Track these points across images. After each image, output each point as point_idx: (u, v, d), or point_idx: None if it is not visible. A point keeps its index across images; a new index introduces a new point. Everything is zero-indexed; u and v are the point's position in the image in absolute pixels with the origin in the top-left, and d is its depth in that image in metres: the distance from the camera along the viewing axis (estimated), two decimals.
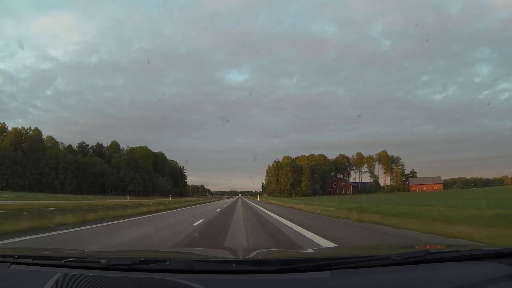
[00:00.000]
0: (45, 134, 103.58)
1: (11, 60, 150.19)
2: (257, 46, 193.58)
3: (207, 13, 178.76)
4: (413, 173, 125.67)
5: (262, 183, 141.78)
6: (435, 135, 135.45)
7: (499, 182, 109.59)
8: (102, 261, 1.55)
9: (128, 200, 50.80)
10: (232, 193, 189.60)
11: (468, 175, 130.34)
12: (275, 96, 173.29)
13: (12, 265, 1.68)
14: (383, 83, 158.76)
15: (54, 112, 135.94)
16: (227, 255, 2.38)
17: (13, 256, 1.75)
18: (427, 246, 2.17)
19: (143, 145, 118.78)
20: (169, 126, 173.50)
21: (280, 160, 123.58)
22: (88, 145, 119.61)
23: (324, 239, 7.44)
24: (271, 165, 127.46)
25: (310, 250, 3.28)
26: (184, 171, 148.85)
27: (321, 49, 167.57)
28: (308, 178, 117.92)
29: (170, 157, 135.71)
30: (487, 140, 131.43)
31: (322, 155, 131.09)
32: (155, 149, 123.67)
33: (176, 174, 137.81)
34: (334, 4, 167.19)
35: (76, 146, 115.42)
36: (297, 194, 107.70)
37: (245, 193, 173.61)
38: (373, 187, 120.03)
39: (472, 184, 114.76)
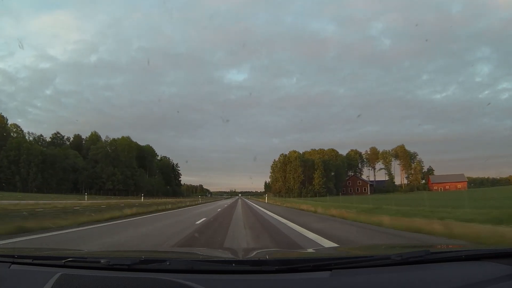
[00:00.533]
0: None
1: (10, 60, 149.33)
2: (257, 45, 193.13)
3: (206, 12, 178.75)
4: (430, 171, 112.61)
5: (265, 182, 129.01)
6: (435, 134, 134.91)
7: (506, 181, 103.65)
8: (102, 261, 1.55)
9: (81, 201, 35.31)
10: (232, 193, 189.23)
11: (467, 174, 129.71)
12: (275, 96, 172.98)
13: (12, 265, 1.68)
14: (383, 82, 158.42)
15: (54, 112, 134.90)
16: (227, 255, 2.38)
17: (13, 256, 1.75)
18: (427, 246, 2.17)
19: (125, 135, 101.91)
20: (169, 125, 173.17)
21: (287, 154, 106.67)
22: (63, 136, 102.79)
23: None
24: (276, 159, 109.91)
25: (310, 250, 3.29)
26: (178, 168, 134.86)
27: (321, 48, 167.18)
28: (321, 175, 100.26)
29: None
30: (487, 140, 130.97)
31: (333, 150, 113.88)
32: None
33: (167, 172, 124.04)
34: (334, 2, 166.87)
35: (50, 137, 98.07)
36: (308, 193, 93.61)
37: (245, 193, 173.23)
38: (391, 186, 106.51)
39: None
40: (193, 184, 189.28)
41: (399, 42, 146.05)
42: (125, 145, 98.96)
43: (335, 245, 6.73)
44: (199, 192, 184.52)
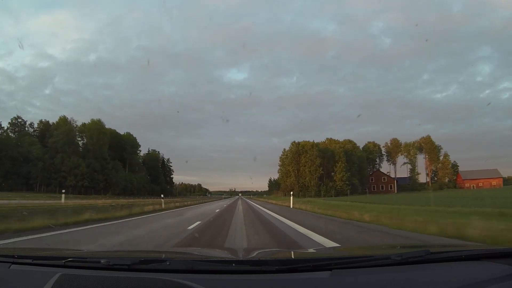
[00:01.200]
0: None
1: (9, 58, 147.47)
2: (257, 44, 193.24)
3: (206, 11, 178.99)
4: (455, 166, 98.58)
5: (270, 179, 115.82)
6: (435, 134, 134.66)
7: None
8: (102, 261, 1.55)
9: None
10: (232, 193, 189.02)
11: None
12: (275, 95, 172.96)
13: (12, 265, 1.68)
14: (383, 82, 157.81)
15: (53, 111, 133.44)
16: (227, 255, 2.38)
17: (13, 256, 1.75)
18: (427, 246, 2.17)
19: (96, 119, 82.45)
20: (169, 125, 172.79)
21: (300, 142, 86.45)
22: (25, 122, 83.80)
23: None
24: (287, 148, 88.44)
25: (310, 250, 3.29)
26: (170, 164, 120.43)
27: (321, 47, 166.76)
28: (343, 168, 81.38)
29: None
30: (487, 139, 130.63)
31: (350, 141, 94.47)
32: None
33: (155, 167, 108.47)
34: (335, 1, 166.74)
35: (9, 123, 79.66)
36: (328, 191, 75.76)
37: (246, 193, 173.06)
38: (417, 184, 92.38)
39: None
40: (191, 183, 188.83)
41: (400, 41, 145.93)
42: (95, 130, 79.16)
43: (335, 244, 6.73)
44: (197, 192, 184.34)
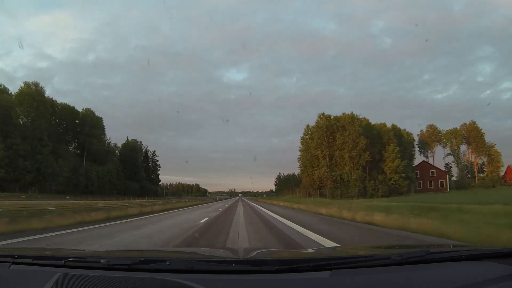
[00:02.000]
0: None
1: (7, 58, 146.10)
2: (257, 44, 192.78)
3: (205, 10, 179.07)
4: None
5: (278, 175, 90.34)
6: None
7: None
8: (102, 261, 1.55)
9: None
10: (232, 193, 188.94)
11: None
12: (275, 95, 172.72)
13: (12, 265, 1.68)
14: (383, 81, 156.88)
15: None
16: (227, 255, 2.38)
17: (13, 256, 1.75)
18: (427, 246, 2.17)
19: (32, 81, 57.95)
20: (169, 125, 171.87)
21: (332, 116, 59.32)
22: None
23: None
24: (313, 124, 59.82)
25: (310, 250, 3.28)
26: (156, 158, 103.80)
27: (321, 47, 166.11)
28: (397, 154, 56.09)
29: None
30: (487, 140, 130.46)
31: (383, 124, 65.22)
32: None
33: (134, 160, 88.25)
34: (335, 0, 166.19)
35: None
36: (377, 188, 52.97)
37: (246, 194, 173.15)
38: (465, 180, 73.49)
39: None
40: (188, 184, 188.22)
41: (400, 41, 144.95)
42: (26, 97, 54.95)
43: (336, 244, 6.73)
44: (194, 193, 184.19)
